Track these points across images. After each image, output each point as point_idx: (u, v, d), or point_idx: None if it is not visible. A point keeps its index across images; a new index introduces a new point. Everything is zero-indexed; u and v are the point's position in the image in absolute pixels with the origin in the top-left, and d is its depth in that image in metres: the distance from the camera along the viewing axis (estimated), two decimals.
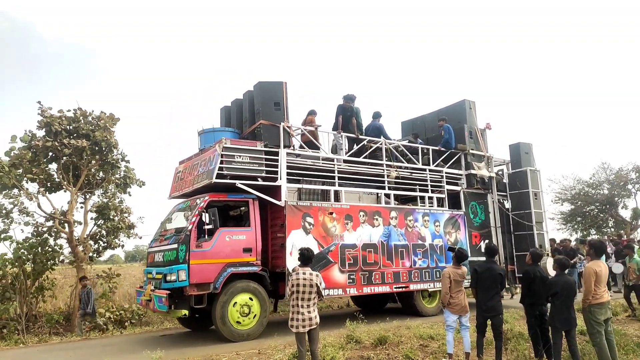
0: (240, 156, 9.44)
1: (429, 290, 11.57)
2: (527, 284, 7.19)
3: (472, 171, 13.07)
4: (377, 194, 11.49)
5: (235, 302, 8.95)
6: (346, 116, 11.77)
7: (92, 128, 12.66)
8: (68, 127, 12.46)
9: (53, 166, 12.87)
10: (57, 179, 12.76)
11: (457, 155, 13.13)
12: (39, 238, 12.28)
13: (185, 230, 8.95)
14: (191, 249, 8.70)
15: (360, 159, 11.42)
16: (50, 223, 12.72)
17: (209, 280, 8.79)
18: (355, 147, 11.51)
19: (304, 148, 10.95)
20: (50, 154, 12.52)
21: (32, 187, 12.64)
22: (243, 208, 9.93)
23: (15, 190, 12.28)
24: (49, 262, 12.12)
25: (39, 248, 12.08)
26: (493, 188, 13.43)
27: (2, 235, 11.85)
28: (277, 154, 9.92)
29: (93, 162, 12.95)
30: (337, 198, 10.67)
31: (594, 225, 26.38)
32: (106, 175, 13.21)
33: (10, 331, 10.92)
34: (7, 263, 11.77)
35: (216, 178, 9.14)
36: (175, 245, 8.92)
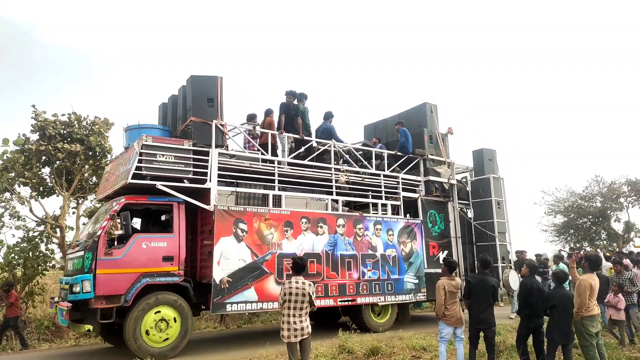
0: (163, 155, 8.05)
1: (379, 304, 10.02)
2: (524, 296, 6.69)
3: (431, 177, 11.48)
4: (327, 200, 9.96)
5: (150, 317, 7.54)
6: (290, 115, 10.17)
7: (87, 133, 11.88)
8: (62, 131, 11.69)
9: (46, 170, 12.11)
10: (49, 184, 11.99)
11: (416, 161, 11.53)
12: (30, 243, 11.54)
13: (93, 236, 7.56)
14: (98, 257, 7.33)
15: (305, 162, 9.80)
16: (41, 228, 11.95)
17: (120, 292, 7.39)
18: (302, 149, 9.96)
19: (260, 152, 9.51)
20: (44, 158, 11.74)
21: (25, 191, 11.93)
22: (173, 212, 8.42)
23: (7, 194, 11.58)
24: (39, 267, 11.37)
25: (30, 253, 11.31)
26: (454, 196, 11.79)
27: None
28: (207, 153, 8.46)
29: (86, 166, 12.16)
30: (278, 203, 9.16)
31: (587, 237, 25.10)
32: (99, 180, 12.30)
33: None
34: None
35: (133, 178, 7.72)
36: (82, 253, 7.53)
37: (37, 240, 11.88)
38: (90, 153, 12.03)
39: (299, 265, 5.89)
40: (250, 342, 8.99)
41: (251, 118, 10.11)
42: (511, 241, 12.48)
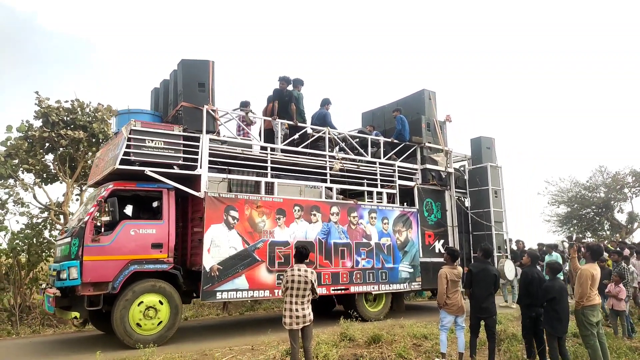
0: (152, 141, 7.83)
1: (373, 292, 9.84)
2: (525, 285, 6.66)
3: (428, 165, 11.20)
4: (321, 188, 9.71)
5: (135, 310, 7.38)
6: (283, 101, 9.86)
7: (90, 120, 11.76)
8: (65, 118, 11.59)
9: (49, 157, 12.02)
10: (53, 170, 11.89)
11: (413, 149, 11.24)
12: (33, 230, 11.50)
13: (80, 223, 7.41)
14: (85, 244, 7.17)
15: (299, 149, 9.52)
16: (45, 214, 11.89)
17: (107, 279, 7.23)
18: (296, 136, 9.71)
19: (258, 139, 9.36)
20: (47, 144, 11.65)
21: (28, 177, 11.83)
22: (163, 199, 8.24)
23: (11, 181, 11.48)
24: (43, 254, 11.30)
25: (34, 239, 11.24)
26: (451, 184, 11.51)
27: None
28: (198, 139, 8.20)
29: (90, 153, 11.99)
30: (270, 191, 8.91)
31: (590, 228, 24.84)
32: None
33: (3, 322, 10.19)
34: (1, 254, 11.02)
35: (121, 164, 7.50)
36: (69, 239, 7.38)
37: (40, 226, 11.77)
38: (94, 140, 11.93)
39: (302, 254, 5.84)
40: (253, 329, 8.90)
41: (245, 105, 9.88)
42: (508, 230, 12.23)
